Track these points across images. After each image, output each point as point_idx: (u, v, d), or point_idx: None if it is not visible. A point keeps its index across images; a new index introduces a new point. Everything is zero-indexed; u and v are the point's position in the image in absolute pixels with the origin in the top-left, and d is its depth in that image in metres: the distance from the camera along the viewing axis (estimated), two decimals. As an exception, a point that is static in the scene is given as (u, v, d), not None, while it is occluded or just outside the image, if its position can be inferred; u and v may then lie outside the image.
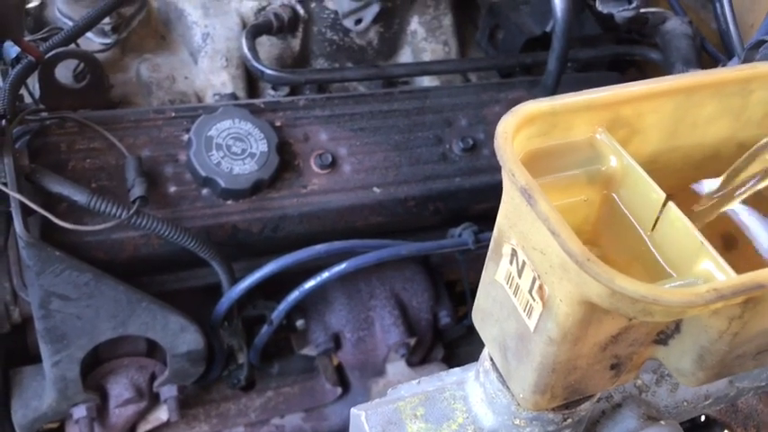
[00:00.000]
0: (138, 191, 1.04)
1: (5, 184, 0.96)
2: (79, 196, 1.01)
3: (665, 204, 0.51)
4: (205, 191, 1.13)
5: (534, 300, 0.49)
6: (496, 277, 0.54)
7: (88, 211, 1.02)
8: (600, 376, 0.54)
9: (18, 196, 0.96)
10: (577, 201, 0.55)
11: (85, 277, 1.03)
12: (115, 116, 1.16)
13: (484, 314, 0.58)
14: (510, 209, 0.50)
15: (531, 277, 0.49)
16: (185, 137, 1.14)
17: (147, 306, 1.09)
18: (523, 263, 0.50)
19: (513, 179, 0.47)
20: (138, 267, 1.11)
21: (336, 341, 1.34)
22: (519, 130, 0.51)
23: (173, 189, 1.12)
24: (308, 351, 1.36)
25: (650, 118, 0.57)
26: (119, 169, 1.09)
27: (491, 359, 0.59)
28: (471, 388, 0.63)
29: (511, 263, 0.52)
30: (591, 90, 0.55)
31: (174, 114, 1.17)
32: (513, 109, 0.52)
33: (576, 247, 0.43)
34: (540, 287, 0.48)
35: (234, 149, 1.13)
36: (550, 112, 0.53)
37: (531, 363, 0.52)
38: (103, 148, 1.11)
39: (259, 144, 1.14)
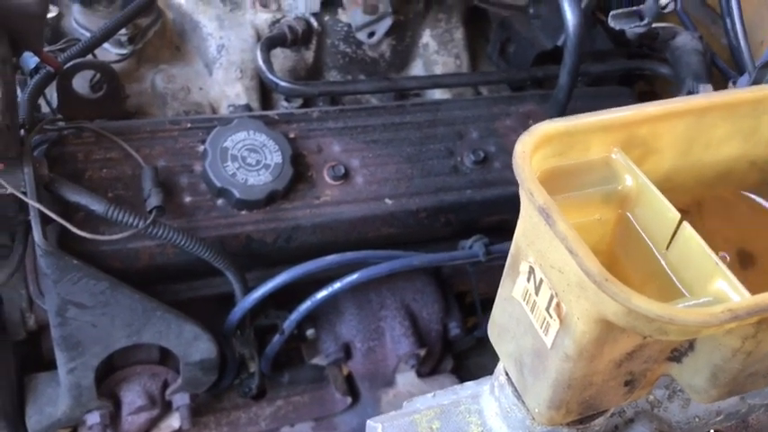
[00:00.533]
0: (154, 201, 1.05)
1: (25, 193, 0.97)
2: (96, 206, 1.02)
3: (679, 223, 0.52)
4: (220, 201, 1.14)
5: (551, 317, 0.50)
6: (513, 294, 0.55)
7: (105, 221, 1.03)
8: (614, 392, 0.55)
9: (37, 205, 0.97)
10: (592, 220, 0.56)
11: (102, 286, 1.04)
12: (131, 126, 1.17)
13: (500, 330, 0.59)
14: (528, 227, 0.51)
15: (548, 295, 0.50)
16: (201, 148, 1.16)
17: (162, 315, 1.11)
18: (541, 280, 0.51)
19: (532, 198, 0.48)
20: (154, 276, 1.12)
21: (347, 351, 1.35)
22: (536, 149, 0.52)
23: (188, 199, 1.13)
24: (319, 360, 1.37)
25: (665, 138, 0.58)
26: (135, 179, 1.10)
27: (506, 374, 0.60)
28: (486, 402, 0.64)
29: (528, 280, 0.52)
30: (606, 111, 0.56)
31: (189, 125, 1.19)
32: (531, 128, 0.53)
33: (593, 266, 0.44)
34: (558, 305, 0.49)
35: (249, 160, 1.14)
36: (567, 132, 0.54)
37: (547, 379, 0.53)
38: (120, 158, 1.12)
39: (273, 155, 1.16)
